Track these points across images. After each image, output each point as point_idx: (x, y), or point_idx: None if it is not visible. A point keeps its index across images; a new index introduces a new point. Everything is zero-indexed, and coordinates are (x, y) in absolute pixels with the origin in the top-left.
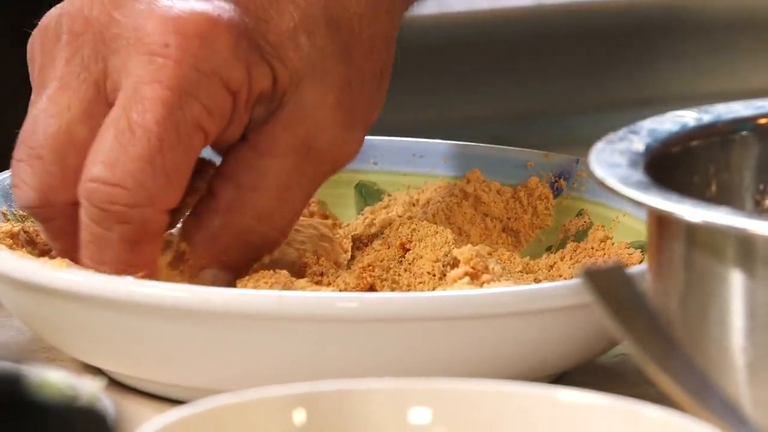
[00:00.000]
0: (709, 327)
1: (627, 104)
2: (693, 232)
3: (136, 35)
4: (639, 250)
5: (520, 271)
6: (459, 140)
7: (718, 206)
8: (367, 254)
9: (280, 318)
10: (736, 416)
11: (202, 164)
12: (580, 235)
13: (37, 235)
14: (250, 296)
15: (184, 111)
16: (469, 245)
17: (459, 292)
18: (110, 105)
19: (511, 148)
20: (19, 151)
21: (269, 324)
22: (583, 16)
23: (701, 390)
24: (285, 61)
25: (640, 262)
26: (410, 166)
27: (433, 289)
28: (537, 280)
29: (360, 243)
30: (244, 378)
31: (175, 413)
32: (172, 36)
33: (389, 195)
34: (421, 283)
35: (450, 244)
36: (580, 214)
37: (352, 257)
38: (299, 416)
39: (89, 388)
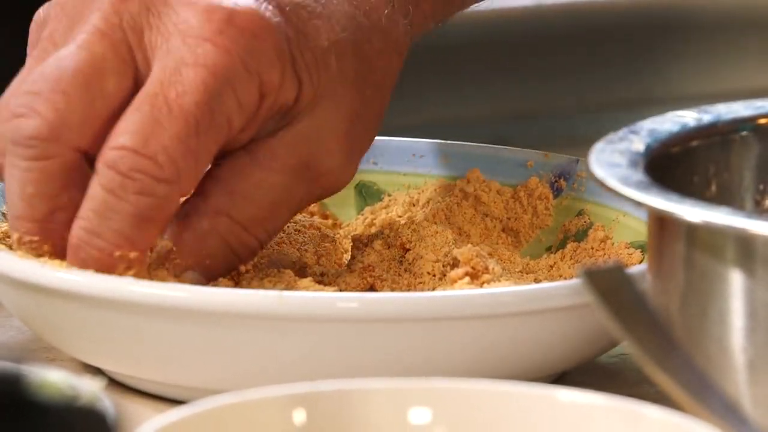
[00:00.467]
0: (709, 327)
1: (627, 104)
2: (693, 232)
3: (186, 19)
4: (639, 250)
5: (520, 271)
6: (459, 140)
7: (718, 206)
8: (368, 254)
9: (280, 318)
10: (736, 416)
11: None
12: (580, 235)
13: None
14: (250, 296)
15: (222, 99)
16: (469, 245)
17: (459, 292)
18: (135, 77)
19: (511, 148)
20: (33, 85)
21: (269, 324)
22: (583, 16)
23: (701, 390)
24: (312, 78)
25: (640, 262)
26: (410, 166)
27: (433, 289)
28: (537, 280)
29: (360, 243)
30: (244, 378)
31: (175, 413)
32: (225, 26)
33: (389, 195)
34: (421, 283)
35: (450, 244)
36: (580, 214)
37: (352, 257)
38: (299, 416)
39: (89, 388)
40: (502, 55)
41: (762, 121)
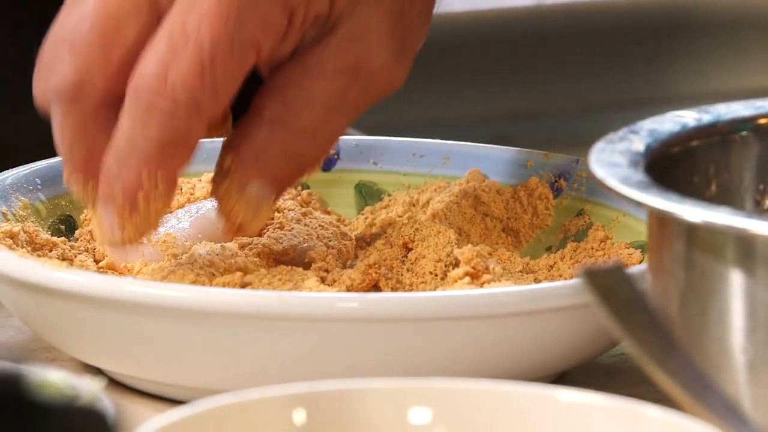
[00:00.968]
0: (709, 327)
1: (627, 104)
2: (693, 232)
3: None
4: (639, 250)
5: (520, 271)
6: (459, 140)
7: (718, 206)
8: (370, 253)
9: (280, 318)
10: (736, 416)
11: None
12: (580, 235)
13: (37, 236)
14: (250, 296)
15: (240, 25)
16: (470, 245)
17: (459, 292)
18: (159, 16)
19: (511, 148)
20: (60, 36)
21: (269, 324)
22: (583, 16)
23: (701, 390)
24: None
25: (640, 262)
26: (410, 166)
27: (435, 288)
28: (537, 280)
29: (362, 242)
30: (244, 378)
31: (175, 413)
32: None
33: (389, 195)
34: (423, 282)
35: (452, 244)
36: (580, 214)
37: (355, 256)
38: (299, 416)
39: (89, 388)
40: (502, 55)
41: (762, 121)
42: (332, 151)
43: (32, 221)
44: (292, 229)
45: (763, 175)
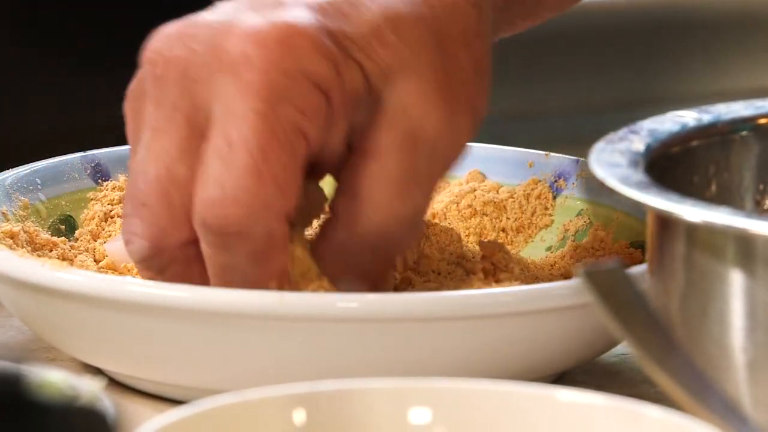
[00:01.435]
0: (709, 327)
1: (627, 104)
2: (693, 232)
3: (216, 59)
4: (639, 250)
5: (521, 270)
6: None
7: (718, 206)
8: None
9: (280, 318)
10: (736, 416)
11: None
12: (580, 235)
13: (37, 236)
14: (250, 296)
15: (279, 116)
16: (493, 239)
17: (459, 292)
18: (202, 138)
19: (511, 148)
20: (126, 207)
21: (269, 324)
22: (584, 16)
23: (701, 390)
24: (373, 57)
25: (640, 262)
26: None
27: (441, 286)
28: (537, 280)
29: None
30: (244, 378)
31: (175, 413)
32: (251, 47)
33: None
34: (426, 281)
35: (455, 242)
36: (580, 214)
37: None
38: (299, 416)
39: (89, 388)
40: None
41: (762, 121)
42: None
43: (32, 221)
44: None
45: (763, 175)
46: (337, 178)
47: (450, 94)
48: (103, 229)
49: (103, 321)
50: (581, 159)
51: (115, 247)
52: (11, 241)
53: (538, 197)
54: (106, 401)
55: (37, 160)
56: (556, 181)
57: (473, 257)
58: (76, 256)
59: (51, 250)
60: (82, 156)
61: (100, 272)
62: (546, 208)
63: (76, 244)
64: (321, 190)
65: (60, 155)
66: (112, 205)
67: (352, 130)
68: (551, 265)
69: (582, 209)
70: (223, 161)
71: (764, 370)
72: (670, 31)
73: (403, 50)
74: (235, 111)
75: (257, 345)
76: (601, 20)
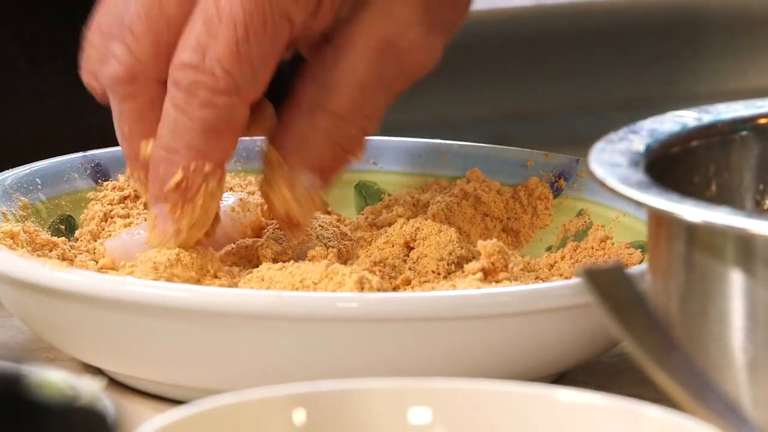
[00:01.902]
0: (709, 326)
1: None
2: (693, 232)
3: None
4: (639, 250)
5: (521, 270)
6: (459, 140)
7: (718, 206)
8: (372, 252)
9: (280, 318)
10: (736, 416)
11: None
12: (580, 235)
13: (37, 236)
14: (250, 296)
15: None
16: (494, 240)
17: (459, 292)
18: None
19: (511, 148)
20: (112, 26)
21: (269, 324)
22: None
23: (701, 390)
24: None
25: (640, 262)
26: (410, 166)
27: (434, 288)
28: (538, 280)
29: (363, 242)
30: (244, 378)
31: (175, 413)
32: None
33: (389, 195)
34: (426, 281)
35: (454, 242)
36: (580, 214)
37: (356, 256)
38: (299, 416)
39: (89, 388)
40: (502, 55)
41: (762, 121)
42: None
43: (32, 221)
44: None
45: (763, 175)
46: (305, 52)
47: (433, 11)
48: (103, 229)
49: (103, 321)
50: (581, 159)
51: (114, 244)
52: (11, 241)
53: (538, 197)
54: (106, 401)
55: (37, 160)
56: (556, 181)
57: (473, 257)
58: (76, 256)
59: (51, 250)
60: (82, 156)
61: (100, 272)
62: (546, 208)
63: (76, 244)
64: (272, 108)
65: (60, 155)
66: (112, 205)
67: (335, 21)
68: (551, 265)
69: (582, 209)
70: (208, 28)
71: (764, 370)
72: (670, 30)
73: None
74: None
75: (257, 345)
76: (601, 20)
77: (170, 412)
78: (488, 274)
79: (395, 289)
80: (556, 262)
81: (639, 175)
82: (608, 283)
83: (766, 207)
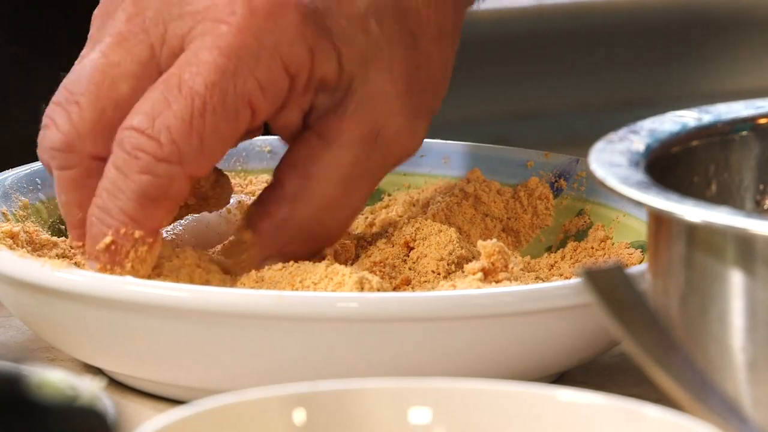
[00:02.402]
0: (709, 326)
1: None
2: (693, 232)
3: (204, 4)
4: (639, 250)
5: (521, 270)
6: (459, 140)
7: (718, 206)
8: (372, 252)
9: (280, 318)
10: (736, 415)
11: (220, 176)
12: (580, 235)
13: (37, 236)
14: (250, 296)
15: (236, 82)
16: (494, 239)
17: (459, 292)
18: (160, 72)
19: (511, 148)
20: (58, 95)
21: (269, 324)
22: (583, 16)
23: (701, 389)
24: (353, 45)
25: (640, 262)
26: (410, 166)
27: (434, 288)
28: (538, 280)
29: (363, 242)
30: (244, 378)
31: (175, 413)
32: (239, 6)
33: (389, 195)
34: (426, 281)
35: (454, 242)
36: (580, 214)
37: (356, 256)
38: (299, 416)
39: (89, 388)
40: (502, 55)
41: (762, 121)
42: None
43: (32, 221)
44: None
45: (763, 175)
46: (289, 145)
47: (416, 97)
48: None
49: (103, 321)
50: (581, 159)
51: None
52: (11, 241)
53: (538, 197)
54: (106, 401)
55: (37, 160)
56: (556, 181)
57: (473, 257)
58: (75, 256)
59: (51, 250)
60: None
61: (100, 272)
62: (546, 208)
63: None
64: (229, 185)
65: None
66: None
67: (313, 110)
68: (551, 265)
69: (582, 209)
70: (165, 96)
71: (764, 370)
72: (670, 31)
73: (381, 42)
74: (199, 57)
75: (257, 345)
76: (601, 20)
77: (170, 412)
78: (488, 274)
79: (395, 289)
80: (556, 262)
81: (639, 175)
82: (608, 283)
83: (766, 207)
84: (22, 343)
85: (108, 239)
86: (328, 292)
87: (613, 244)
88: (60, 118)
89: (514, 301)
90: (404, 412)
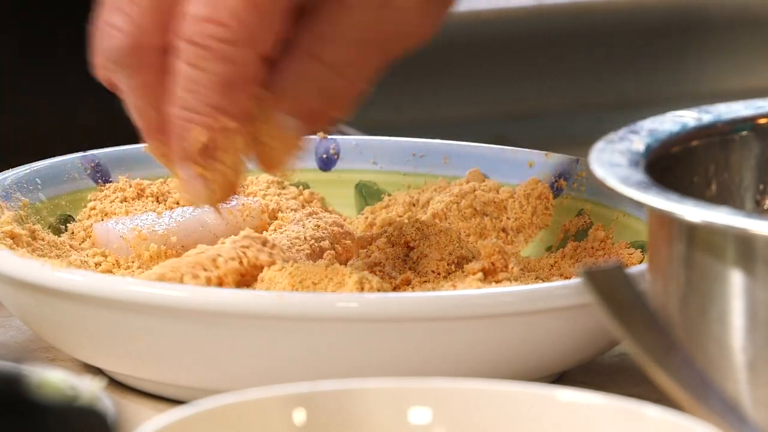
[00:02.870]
0: (709, 326)
1: (627, 104)
2: (693, 232)
3: None
4: (639, 250)
5: (521, 270)
6: (459, 140)
7: (718, 206)
8: (372, 253)
9: (280, 318)
10: (736, 415)
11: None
12: (580, 235)
13: (37, 236)
14: (250, 296)
15: None
16: (494, 239)
17: (459, 292)
18: None
19: (511, 148)
20: (108, 2)
21: (269, 324)
22: (583, 16)
23: (701, 389)
24: None
25: (640, 262)
26: (410, 166)
27: (434, 288)
28: (538, 280)
29: (363, 242)
30: (244, 378)
31: (175, 413)
32: None
33: (389, 195)
34: (426, 281)
35: (454, 242)
36: (580, 214)
37: (356, 255)
38: (299, 416)
39: (89, 388)
40: (502, 55)
41: (762, 121)
42: (332, 151)
43: (32, 221)
44: (284, 231)
45: (763, 175)
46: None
47: None
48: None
49: (103, 321)
50: (581, 159)
51: (99, 228)
52: (11, 241)
53: (538, 197)
54: (106, 401)
55: (37, 160)
56: (556, 181)
57: (473, 257)
58: (71, 256)
59: (51, 250)
60: (82, 156)
61: (100, 272)
62: (546, 208)
63: (74, 244)
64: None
65: (60, 155)
66: (112, 203)
67: None
68: (551, 265)
69: (582, 209)
70: None
71: (764, 370)
72: (670, 31)
73: None
74: None
75: (257, 345)
76: (602, 20)
77: (170, 412)
78: (488, 274)
79: (395, 289)
80: (556, 262)
81: (639, 175)
82: (608, 283)
83: (766, 207)
84: (22, 343)
85: (203, 137)
86: (328, 292)
87: (613, 244)
88: (120, 21)
89: (514, 301)
90: (404, 412)
